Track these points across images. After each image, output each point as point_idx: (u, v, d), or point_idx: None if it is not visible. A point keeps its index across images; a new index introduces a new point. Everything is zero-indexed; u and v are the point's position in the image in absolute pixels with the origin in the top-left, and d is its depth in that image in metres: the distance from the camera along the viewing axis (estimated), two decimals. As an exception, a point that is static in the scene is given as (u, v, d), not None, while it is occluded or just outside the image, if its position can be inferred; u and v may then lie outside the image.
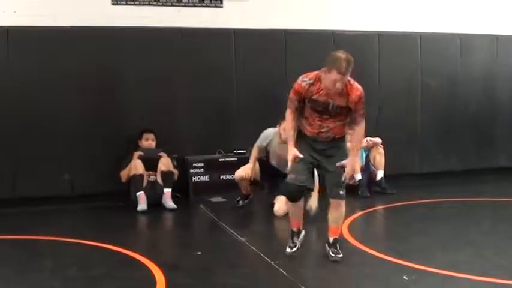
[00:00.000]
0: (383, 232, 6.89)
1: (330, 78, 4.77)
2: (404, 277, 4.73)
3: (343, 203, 5.16)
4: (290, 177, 5.10)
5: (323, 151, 5.09)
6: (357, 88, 4.92)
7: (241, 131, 8.43)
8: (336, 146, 5.11)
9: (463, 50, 9.38)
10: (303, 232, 5.42)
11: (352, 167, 5.06)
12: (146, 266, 5.06)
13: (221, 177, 8.15)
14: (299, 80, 5.00)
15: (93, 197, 7.61)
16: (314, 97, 4.93)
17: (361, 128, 5.04)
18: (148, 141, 7.83)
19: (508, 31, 9.64)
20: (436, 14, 9.33)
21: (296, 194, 5.15)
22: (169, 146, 7.90)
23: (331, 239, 5.22)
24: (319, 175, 5.63)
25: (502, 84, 9.64)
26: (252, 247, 5.64)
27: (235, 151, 8.26)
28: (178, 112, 8.16)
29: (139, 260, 5.24)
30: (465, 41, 9.40)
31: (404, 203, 7.61)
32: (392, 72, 8.97)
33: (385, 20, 9.05)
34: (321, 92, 4.90)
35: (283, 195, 5.50)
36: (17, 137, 7.47)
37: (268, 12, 8.50)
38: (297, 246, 5.30)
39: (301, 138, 5.13)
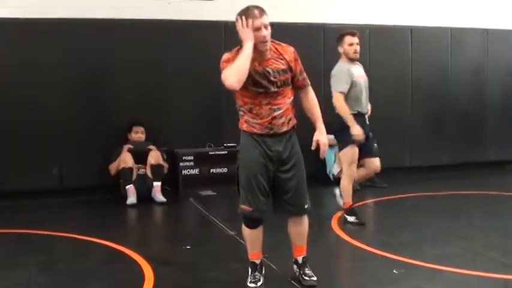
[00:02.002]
0: (373, 226, 6.87)
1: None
2: (394, 271, 4.72)
3: (306, 216, 4.46)
4: (245, 209, 4.25)
5: (279, 154, 4.23)
6: (288, 45, 4.30)
7: (232, 124, 8.33)
8: (291, 142, 4.29)
9: (453, 43, 9.38)
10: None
11: (325, 138, 4.29)
12: (135, 260, 5.03)
13: (211, 170, 8.13)
14: (224, 56, 4.28)
15: (82, 190, 7.58)
16: (250, 71, 4.12)
17: (312, 91, 4.35)
18: (138, 134, 7.79)
19: (498, 25, 9.65)
20: (427, 8, 9.31)
21: (256, 223, 4.35)
22: (159, 139, 7.87)
23: (300, 259, 4.51)
24: None
25: (492, 78, 9.65)
26: (242, 241, 5.57)
27: (225, 144, 8.23)
28: (168, 105, 8.12)
29: (128, 254, 5.21)
30: (456, 35, 9.40)
31: (394, 197, 7.62)
32: (382, 66, 8.95)
33: (375, 13, 9.03)
34: (254, 63, 4.14)
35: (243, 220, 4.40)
36: (5, 130, 7.41)
37: (259, 5, 8.42)
38: (261, 280, 4.41)
39: (250, 143, 4.26)
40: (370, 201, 7.63)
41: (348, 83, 6.01)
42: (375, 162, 6.32)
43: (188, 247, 5.48)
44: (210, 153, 8.19)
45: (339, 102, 6.00)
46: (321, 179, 8.40)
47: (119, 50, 7.82)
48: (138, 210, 7.16)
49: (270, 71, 4.19)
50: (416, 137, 9.25)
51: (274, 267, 4.78)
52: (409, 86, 9.19)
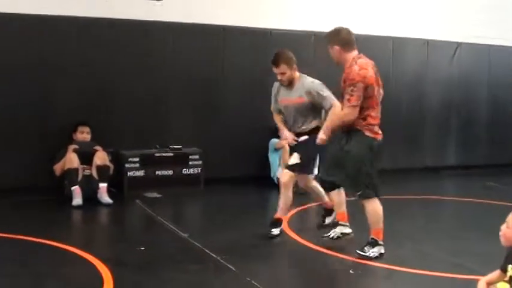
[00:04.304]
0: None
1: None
2: (351, 271, 4.84)
3: None
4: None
5: None
6: None
7: (178, 126, 8.40)
8: None
9: (395, 53, 9.65)
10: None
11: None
12: (90, 262, 4.94)
13: (157, 172, 8.05)
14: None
15: (25, 190, 7.32)
16: None
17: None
18: (83, 135, 7.64)
19: (438, 36, 10.01)
20: (370, 17, 9.55)
21: None
22: (104, 139, 7.73)
23: None
24: None
25: (431, 87, 10.00)
26: (196, 243, 5.59)
27: (170, 146, 8.19)
28: (114, 106, 8.02)
29: (82, 256, 5.11)
30: (397, 44, 9.68)
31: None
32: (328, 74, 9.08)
33: (320, 20, 9.17)
34: None
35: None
36: None
37: (207, 8, 8.45)
38: None
39: None
40: (315, 204, 7.72)
41: (274, 102, 6.13)
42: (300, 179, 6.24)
43: (142, 248, 5.42)
44: (156, 154, 8.11)
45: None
46: (266, 181, 8.47)
47: (64, 48, 7.65)
48: (84, 211, 6.99)
49: None
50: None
51: (233, 268, 4.81)
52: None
